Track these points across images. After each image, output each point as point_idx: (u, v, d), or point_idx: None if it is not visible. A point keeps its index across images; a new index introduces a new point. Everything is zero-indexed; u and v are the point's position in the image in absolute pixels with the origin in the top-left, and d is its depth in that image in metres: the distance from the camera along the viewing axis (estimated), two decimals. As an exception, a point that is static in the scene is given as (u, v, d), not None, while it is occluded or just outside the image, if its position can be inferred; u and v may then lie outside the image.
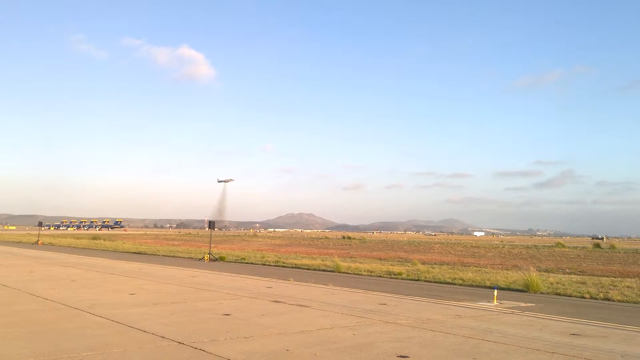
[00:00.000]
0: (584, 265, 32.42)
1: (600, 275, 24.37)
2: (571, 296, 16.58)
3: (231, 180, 77.81)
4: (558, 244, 70.53)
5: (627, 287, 18.76)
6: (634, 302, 15.35)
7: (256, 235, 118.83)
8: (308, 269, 25.88)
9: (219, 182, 78.12)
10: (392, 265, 28.80)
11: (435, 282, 20.40)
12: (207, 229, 41.74)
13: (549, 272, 26.03)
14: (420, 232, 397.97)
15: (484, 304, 14.10)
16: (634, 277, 23.43)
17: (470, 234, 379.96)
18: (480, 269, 27.26)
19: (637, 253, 49.09)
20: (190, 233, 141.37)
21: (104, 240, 63.68)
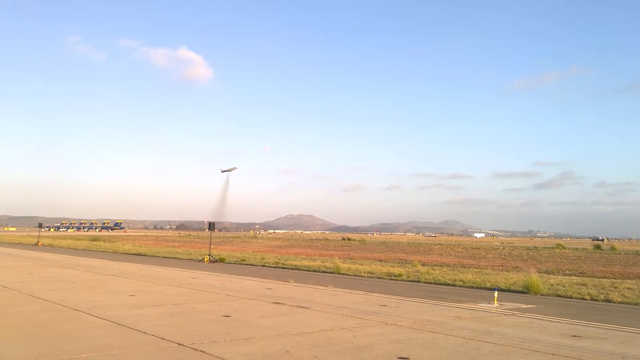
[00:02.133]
0: (584, 266, 32.39)
1: (600, 277, 24.35)
2: (571, 298, 16.56)
3: (234, 168, 77.50)
4: (558, 246, 70.55)
5: (628, 288, 18.74)
6: (635, 304, 15.34)
7: (256, 237, 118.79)
8: (308, 271, 25.86)
9: (222, 172, 77.97)
10: (392, 266, 28.79)
11: (436, 284, 20.38)
12: (206, 230, 41.73)
13: (549, 273, 26.01)
14: (420, 234, 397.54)
15: (484, 306, 14.09)
16: (635, 279, 23.40)
17: (470, 236, 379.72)
18: (480, 270, 27.23)
19: (637, 254, 49.07)
20: (190, 234, 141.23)
21: (104, 241, 63.67)
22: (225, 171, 77.00)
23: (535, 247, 72.84)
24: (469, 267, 29.49)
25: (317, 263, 29.78)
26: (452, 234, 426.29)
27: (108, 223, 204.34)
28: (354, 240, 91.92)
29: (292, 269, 26.99)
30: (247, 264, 30.14)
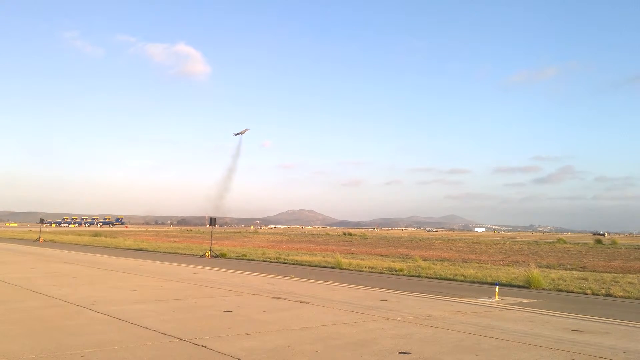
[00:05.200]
0: (585, 261, 32.39)
1: (601, 271, 24.35)
2: (573, 292, 16.56)
3: (247, 130, 76.31)
4: (559, 240, 70.54)
5: (629, 283, 18.74)
6: (636, 298, 15.33)
7: (257, 232, 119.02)
8: (309, 266, 25.88)
9: (235, 135, 77.03)
10: (393, 261, 28.80)
11: (437, 279, 20.39)
12: (208, 225, 41.70)
13: (550, 268, 26.01)
14: (421, 229, 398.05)
15: (485, 300, 14.09)
16: (636, 273, 23.39)
17: (471, 230, 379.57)
18: (481, 265, 27.24)
19: (638, 249, 49.04)
20: (191, 230, 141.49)
21: (105, 237, 63.76)
22: (237, 134, 76.29)
23: (536, 241, 72.80)
24: (470, 262, 29.50)
25: (318, 258, 29.80)
26: (453, 229, 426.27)
27: (109, 218, 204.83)
28: (355, 235, 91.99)
29: (294, 264, 27.01)
30: (249, 259, 30.16)
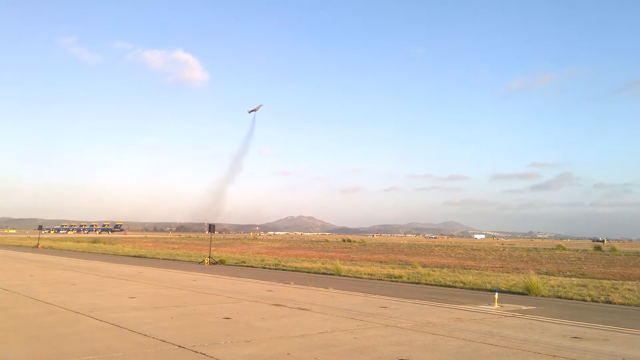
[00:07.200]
0: (584, 267, 32.38)
1: (601, 278, 24.34)
2: (572, 299, 16.56)
3: (261, 106, 76.47)
4: (559, 247, 70.51)
5: (629, 289, 18.73)
6: (635, 305, 15.33)
7: (256, 239, 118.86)
8: (308, 272, 25.85)
9: (249, 112, 77.26)
10: (392, 268, 28.77)
11: (436, 285, 20.37)
12: (207, 232, 41.69)
13: (549, 275, 26.00)
14: (421, 235, 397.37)
15: (485, 307, 14.08)
16: (635, 280, 23.39)
17: (470, 237, 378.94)
18: (480, 271, 27.22)
19: (638, 256, 49.04)
20: (190, 236, 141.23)
21: (104, 243, 63.64)
22: (251, 111, 76.53)
23: (535, 248, 72.76)
24: (470, 269, 29.47)
25: (317, 265, 29.76)
26: (452, 235, 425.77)
27: (108, 225, 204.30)
28: (354, 241, 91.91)
29: (293, 270, 26.98)
30: (248, 266, 30.12)
